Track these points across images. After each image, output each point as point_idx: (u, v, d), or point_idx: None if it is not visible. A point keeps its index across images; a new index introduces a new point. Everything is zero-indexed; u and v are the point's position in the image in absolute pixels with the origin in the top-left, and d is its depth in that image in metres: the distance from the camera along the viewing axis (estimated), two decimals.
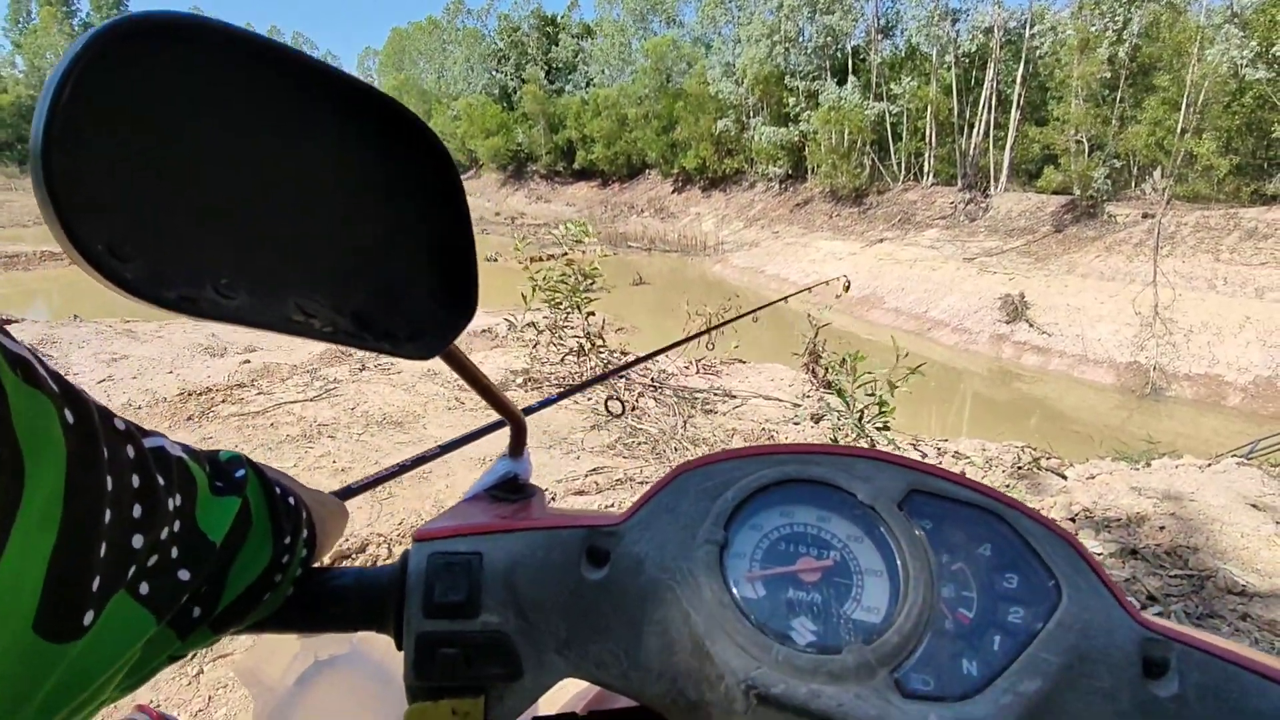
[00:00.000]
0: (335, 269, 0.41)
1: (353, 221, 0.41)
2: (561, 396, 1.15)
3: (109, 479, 0.28)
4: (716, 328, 1.88)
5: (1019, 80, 21.77)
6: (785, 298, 2.58)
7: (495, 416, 0.67)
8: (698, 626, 0.43)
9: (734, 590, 0.45)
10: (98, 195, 0.27)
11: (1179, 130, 17.06)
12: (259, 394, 5.42)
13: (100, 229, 0.27)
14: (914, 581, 0.44)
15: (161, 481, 0.32)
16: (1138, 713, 0.40)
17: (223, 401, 5.21)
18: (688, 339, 1.71)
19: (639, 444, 4.68)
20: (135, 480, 0.30)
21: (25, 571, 0.24)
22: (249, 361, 6.27)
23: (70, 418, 0.26)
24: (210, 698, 2.20)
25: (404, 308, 0.46)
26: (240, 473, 0.42)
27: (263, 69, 0.34)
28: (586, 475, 4.06)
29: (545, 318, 6.59)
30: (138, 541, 0.30)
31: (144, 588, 0.32)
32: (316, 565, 0.50)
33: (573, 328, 6.48)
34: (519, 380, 6.01)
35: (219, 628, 0.40)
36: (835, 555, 0.46)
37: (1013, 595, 0.44)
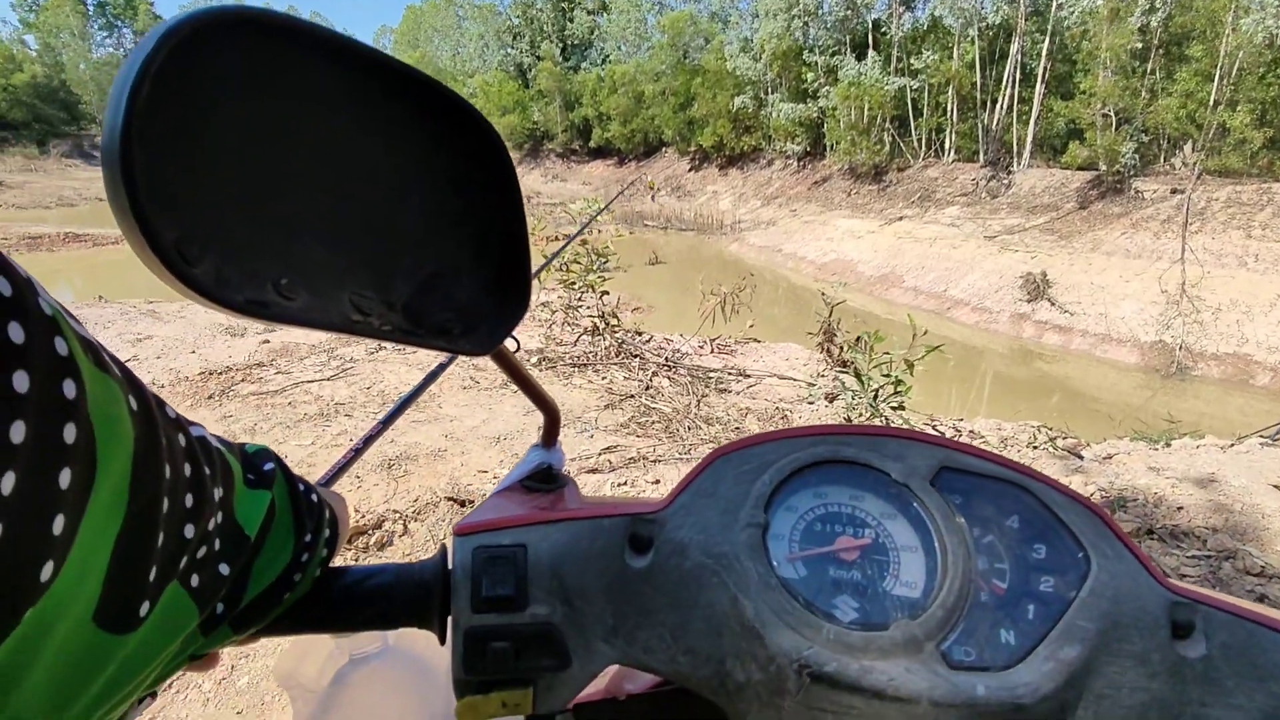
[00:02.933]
0: (384, 262, 0.40)
1: (400, 211, 0.41)
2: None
3: (167, 467, 0.28)
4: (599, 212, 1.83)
5: (1044, 53, 21.22)
6: (608, 204, 2.51)
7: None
8: (746, 609, 0.44)
9: (779, 571, 0.45)
10: (169, 194, 0.26)
11: (1211, 103, 16.56)
12: (277, 373, 5.49)
13: (171, 229, 0.27)
14: (952, 556, 0.45)
15: (208, 471, 0.32)
16: (1168, 673, 0.42)
17: (242, 380, 5.29)
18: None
19: (652, 423, 4.69)
20: (187, 469, 0.30)
21: (92, 561, 0.23)
22: (268, 341, 6.35)
23: (134, 404, 0.26)
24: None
25: (456, 302, 0.45)
26: (269, 466, 0.42)
27: (321, 60, 0.33)
28: (600, 454, 4.08)
29: (560, 297, 6.60)
30: (189, 531, 0.30)
31: (194, 580, 0.31)
32: (354, 564, 0.50)
33: (587, 307, 6.49)
34: (534, 359, 6.04)
35: (239, 626, 0.39)
36: (871, 533, 0.47)
37: (1043, 565, 0.45)
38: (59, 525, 0.21)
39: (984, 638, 0.43)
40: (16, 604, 0.20)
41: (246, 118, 0.30)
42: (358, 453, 0.77)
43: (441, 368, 0.94)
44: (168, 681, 0.39)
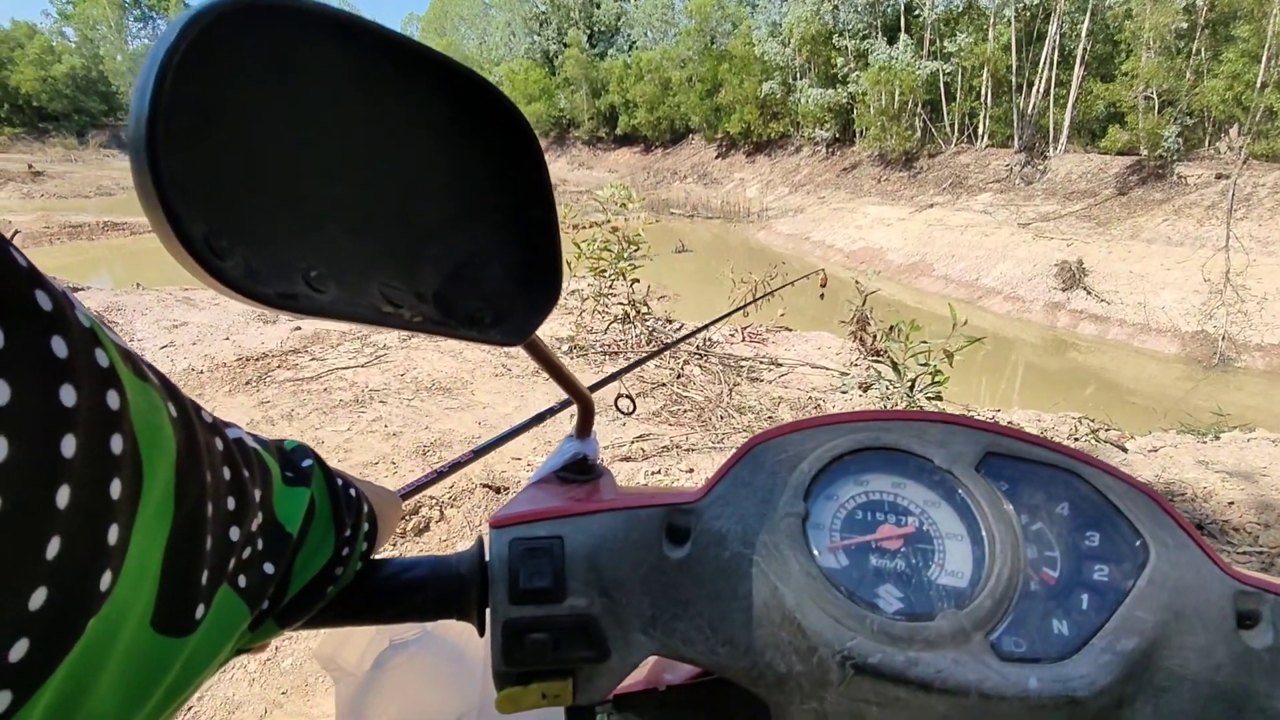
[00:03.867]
0: (412, 251, 0.39)
1: (426, 199, 0.40)
2: (622, 373, 1.14)
3: (208, 472, 0.28)
4: (760, 299, 1.85)
5: (1084, 33, 20.61)
6: (771, 292, 2.80)
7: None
8: (787, 599, 0.43)
9: (819, 561, 0.45)
10: (197, 186, 0.26)
11: (1258, 85, 15.97)
12: (312, 360, 5.56)
13: (200, 222, 0.26)
14: (1000, 544, 0.44)
15: (246, 474, 0.32)
16: (1232, 665, 0.40)
17: (278, 367, 5.37)
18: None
19: (684, 411, 4.67)
20: (226, 473, 0.30)
21: (145, 568, 0.24)
22: (300, 328, 6.43)
23: (173, 410, 0.26)
24: None
25: (486, 290, 0.44)
26: (307, 463, 0.42)
27: (344, 44, 0.33)
28: (633, 442, 4.08)
29: (590, 285, 6.59)
30: (234, 534, 0.30)
31: (241, 580, 0.32)
32: (390, 556, 0.51)
33: (617, 295, 6.47)
34: (565, 348, 6.05)
35: (284, 621, 0.40)
36: (914, 521, 0.47)
37: (1096, 553, 0.44)
38: (113, 535, 0.22)
39: (1035, 628, 0.42)
40: (79, 615, 0.20)
41: (271, 106, 0.29)
42: (440, 475, 0.77)
43: (540, 417, 0.96)
44: None
